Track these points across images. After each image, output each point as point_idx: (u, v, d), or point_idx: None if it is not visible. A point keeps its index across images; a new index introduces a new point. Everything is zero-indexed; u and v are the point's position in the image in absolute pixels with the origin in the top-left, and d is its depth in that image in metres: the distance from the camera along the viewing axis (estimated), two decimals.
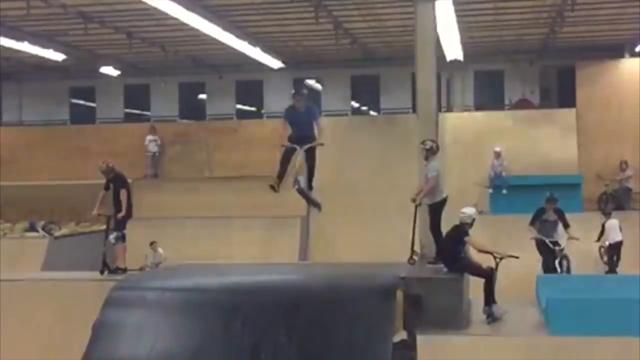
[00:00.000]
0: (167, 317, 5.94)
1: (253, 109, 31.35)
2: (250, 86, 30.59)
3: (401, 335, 6.67)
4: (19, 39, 22.52)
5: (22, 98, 31.95)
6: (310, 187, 12.09)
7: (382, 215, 21.22)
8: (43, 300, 13.23)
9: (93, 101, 31.97)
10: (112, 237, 14.25)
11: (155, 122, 28.61)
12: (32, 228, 24.10)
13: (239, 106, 31.14)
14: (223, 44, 23.07)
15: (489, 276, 11.97)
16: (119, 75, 29.44)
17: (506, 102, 28.90)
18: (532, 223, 15.02)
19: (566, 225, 14.87)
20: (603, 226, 17.73)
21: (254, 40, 23.69)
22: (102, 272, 14.11)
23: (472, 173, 22.56)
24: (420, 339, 7.11)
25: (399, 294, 6.29)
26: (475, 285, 12.36)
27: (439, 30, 17.33)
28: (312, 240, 22.43)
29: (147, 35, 23.98)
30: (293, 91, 14.69)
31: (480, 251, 12.28)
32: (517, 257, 12.42)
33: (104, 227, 15.07)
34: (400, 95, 28.70)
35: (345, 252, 20.19)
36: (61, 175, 25.68)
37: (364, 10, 21.22)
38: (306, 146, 11.78)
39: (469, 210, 12.39)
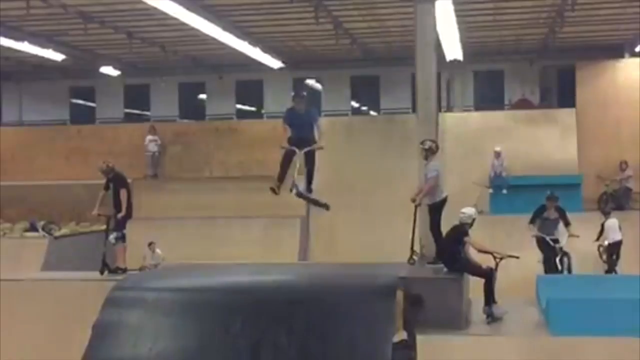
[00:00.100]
0: (167, 317, 5.94)
1: (253, 109, 31.35)
2: (250, 86, 30.60)
3: (401, 335, 6.65)
4: (19, 39, 22.52)
5: (22, 98, 31.96)
6: (309, 189, 12.10)
7: (382, 215, 21.21)
8: (43, 300, 13.23)
9: (93, 101, 31.98)
10: (112, 237, 14.25)
11: (155, 122, 28.60)
12: (32, 228, 24.10)
13: (239, 106, 31.14)
14: (223, 44, 23.07)
15: (488, 276, 11.97)
16: (119, 75, 29.44)
17: (506, 102, 28.90)
18: (532, 221, 15.05)
19: (567, 224, 14.92)
20: (602, 226, 17.73)
21: (254, 40, 23.69)
22: (102, 272, 14.11)
23: (472, 173, 22.55)
24: (420, 339, 7.09)
25: (399, 294, 6.27)
26: (475, 285, 12.36)
27: (439, 30, 17.34)
28: (312, 240, 22.43)
29: (147, 35, 23.98)
30: (293, 93, 14.72)
31: (480, 251, 12.28)
32: (517, 257, 12.42)
33: (104, 227, 15.07)
34: (400, 95, 28.70)
35: (345, 252, 20.18)
36: (61, 175, 25.68)
37: (364, 10, 21.22)
38: (306, 149, 11.79)
39: (469, 211, 12.39)
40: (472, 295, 12.65)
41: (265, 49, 25.08)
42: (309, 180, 12.08)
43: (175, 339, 5.84)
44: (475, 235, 12.45)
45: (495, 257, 12.11)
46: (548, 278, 14.19)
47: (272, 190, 11.96)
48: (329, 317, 5.59)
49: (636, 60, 25.38)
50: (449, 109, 27.63)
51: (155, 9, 18.74)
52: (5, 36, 22.04)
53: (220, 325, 5.66)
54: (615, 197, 23.01)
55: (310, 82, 30.88)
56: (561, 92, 28.29)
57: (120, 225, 14.28)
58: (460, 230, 12.20)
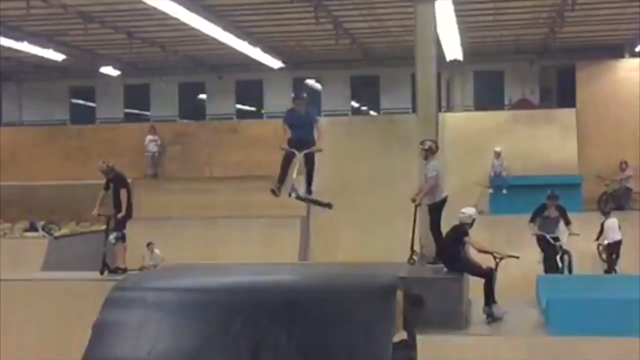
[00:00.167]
0: (168, 317, 5.93)
1: (253, 109, 31.35)
2: (250, 86, 30.59)
3: (401, 335, 6.65)
4: (19, 39, 22.52)
5: (22, 98, 31.96)
6: (309, 191, 12.11)
7: (382, 215, 21.21)
8: (43, 300, 13.23)
9: (93, 101, 31.98)
10: (112, 237, 14.25)
11: (155, 122, 28.60)
12: (32, 227, 24.10)
13: (239, 106, 31.14)
14: (223, 44, 23.07)
15: (488, 276, 11.97)
16: (119, 75, 29.44)
17: (506, 102, 28.89)
18: (532, 220, 15.05)
19: (567, 222, 14.94)
20: (602, 225, 17.73)
21: (254, 40, 23.69)
22: (102, 272, 14.10)
23: (472, 173, 22.55)
24: (420, 339, 7.09)
25: (399, 294, 6.27)
26: (475, 285, 12.36)
27: (439, 30, 17.33)
28: (312, 240, 22.43)
29: (147, 35, 23.98)
30: (293, 95, 14.74)
31: (480, 251, 12.29)
32: (517, 257, 12.43)
33: (104, 227, 15.06)
34: (400, 95, 28.70)
35: (345, 252, 20.19)
36: (61, 175, 25.67)
37: (364, 10, 21.22)
38: (305, 151, 11.80)
39: (469, 211, 12.39)
40: (472, 295, 12.65)
41: (265, 49, 25.08)
42: (309, 182, 12.09)
43: (175, 339, 5.83)
44: (475, 235, 12.45)
45: (495, 257, 12.11)
46: (548, 278, 14.19)
47: (273, 192, 11.98)
48: (329, 317, 5.59)
49: (636, 60, 25.39)
50: (449, 109, 27.63)
51: (155, 9, 18.74)
52: (5, 36, 22.04)
53: (220, 326, 5.65)
54: (615, 197, 23.00)
55: (310, 82, 30.89)
56: (561, 92, 28.29)
57: (120, 225, 14.27)
58: (460, 230, 12.20)
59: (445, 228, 12.63)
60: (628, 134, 23.88)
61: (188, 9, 18.63)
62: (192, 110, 31.11)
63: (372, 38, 25.09)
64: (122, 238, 14.25)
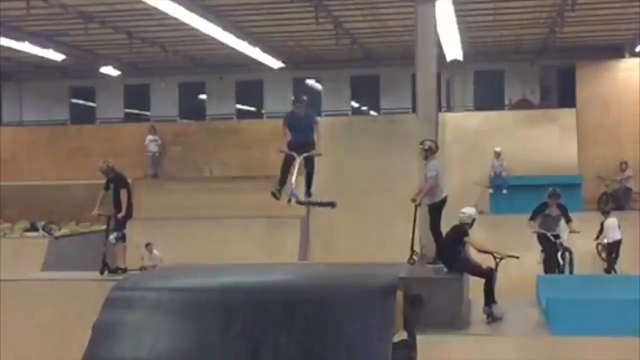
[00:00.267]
0: (168, 317, 5.93)
1: (253, 109, 31.36)
2: (250, 86, 30.61)
3: (401, 335, 6.65)
4: (19, 39, 22.53)
5: (22, 98, 31.98)
6: (309, 194, 12.13)
7: (382, 215, 21.22)
8: (43, 300, 13.23)
9: (93, 101, 32.00)
10: (112, 237, 14.24)
11: (155, 122, 28.61)
12: (32, 227, 24.11)
13: (239, 106, 31.16)
14: (223, 44, 23.08)
15: (488, 276, 11.98)
16: (119, 75, 29.45)
17: (506, 102, 28.91)
18: (533, 218, 15.06)
19: (568, 220, 14.96)
20: (602, 225, 17.75)
21: (254, 40, 23.70)
22: (102, 272, 14.10)
23: (472, 173, 22.56)
24: (420, 339, 7.09)
25: (399, 294, 6.27)
26: (475, 285, 12.36)
27: (439, 30, 17.33)
28: (312, 240, 22.43)
29: (147, 35, 23.99)
30: (293, 98, 14.77)
31: (480, 251, 12.30)
32: (517, 257, 12.44)
33: (104, 227, 15.06)
34: (400, 95, 28.72)
35: (345, 252, 20.18)
36: (61, 175, 25.69)
37: (364, 10, 21.23)
38: (305, 154, 11.82)
39: (469, 211, 12.40)
40: (472, 295, 12.66)
41: (265, 49, 25.09)
42: (308, 185, 12.12)
43: (175, 339, 5.82)
44: (475, 235, 12.46)
45: (495, 257, 12.12)
46: (548, 278, 14.20)
47: (273, 194, 12.01)
48: (329, 317, 5.58)
49: (636, 60, 25.39)
50: (449, 109, 27.64)
51: (155, 9, 18.75)
52: (6, 36, 22.05)
53: (220, 326, 5.64)
54: (615, 197, 23.02)
55: (310, 82, 30.90)
56: (561, 92, 28.30)
57: (120, 225, 14.27)
58: (460, 230, 12.21)
59: (445, 228, 12.64)
60: (628, 134, 23.89)
61: (188, 9, 18.64)
62: (192, 110, 31.12)
63: (372, 38, 25.10)
64: (122, 238, 14.25)
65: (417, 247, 13.10)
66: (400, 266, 12.14)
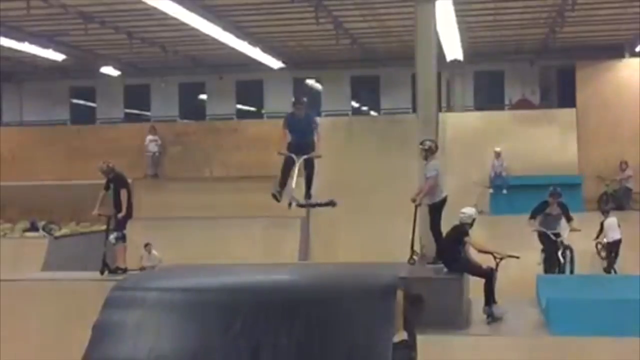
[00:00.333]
0: (168, 317, 5.93)
1: (253, 109, 31.36)
2: (250, 86, 30.60)
3: (401, 335, 6.67)
4: (19, 39, 22.53)
5: (23, 98, 31.97)
6: (309, 195, 12.14)
7: (382, 215, 21.21)
8: (43, 300, 13.24)
9: (93, 101, 32.00)
10: (112, 237, 14.25)
11: (155, 122, 28.61)
12: (33, 227, 24.12)
13: (239, 106, 31.15)
14: (223, 44, 23.07)
15: (489, 276, 11.98)
16: (119, 76, 29.44)
17: (506, 102, 28.91)
18: (533, 216, 15.06)
19: (569, 219, 14.97)
20: (602, 224, 17.76)
21: (254, 40, 23.70)
22: (102, 272, 14.11)
23: (473, 173, 22.57)
24: (420, 339, 7.11)
25: (399, 294, 6.28)
26: (475, 285, 12.37)
27: (439, 30, 17.34)
28: (312, 240, 22.43)
29: (147, 36, 23.98)
30: (294, 99, 14.77)
31: (481, 251, 12.30)
32: (517, 257, 12.44)
33: (104, 227, 15.07)
34: (400, 95, 28.71)
35: (345, 252, 20.19)
36: (61, 175, 25.68)
37: (364, 10, 21.23)
38: (305, 156, 11.83)
39: (469, 211, 12.40)
40: (472, 295, 12.66)
41: (266, 49, 25.09)
42: (308, 186, 12.12)
43: (175, 339, 5.83)
44: (475, 235, 12.46)
45: (495, 257, 12.12)
46: (548, 278, 14.20)
47: (274, 197, 12.02)
48: (329, 317, 5.58)
49: (636, 60, 25.38)
50: (449, 109, 27.64)
51: (155, 9, 18.75)
52: (6, 36, 22.05)
53: (220, 326, 5.64)
54: (615, 197, 23.03)
55: (311, 82, 30.90)
56: (561, 92, 28.30)
57: (120, 226, 14.28)
58: (461, 230, 12.21)
59: (445, 228, 12.64)
60: (628, 134, 23.89)
61: (188, 9, 18.64)
62: (193, 110, 31.12)
63: (372, 38, 25.10)
64: (122, 238, 14.26)
65: (417, 247, 13.10)
66: (401, 266, 12.15)
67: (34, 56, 24.93)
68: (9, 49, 23.42)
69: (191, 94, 31.33)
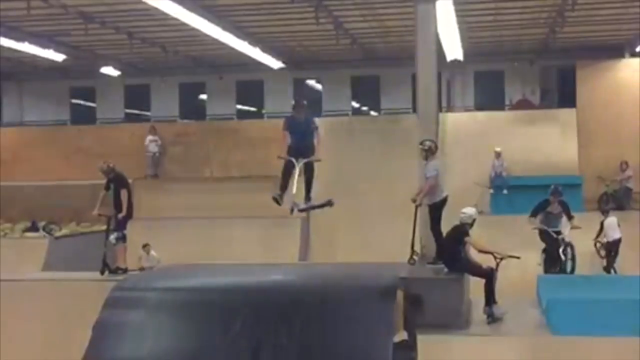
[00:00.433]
0: (168, 317, 5.93)
1: (253, 109, 31.35)
2: (250, 86, 30.60)
3: (401, 335, 6.66)
4: (19, 39, 22.53)
5: (23, 98, 31.98)
6: (308, 198, 12.15)
7: (382, 215, 21.21)
8: (43, 301, 13.23)
9: (93, 101, 31.99)
10: (112, 237, 14.27)
11: (155, 122, 28.62)
12: (33, 227, 24.11)
13: (239, 106, 31.14)
14: (223, 44, 23.08)
15: (489, 276, 11.98)
16: (119, 76, 29.44)
17: (506, 102, 28.90)
18: (534, 215, 15.08)
19: (570, 217, 15.00)
20: (602, 224, 17.77)
21: (254, 40, 23.70)
22: (102, 272, 14.12)
23: (473, 173, 22.56)
24: (420, 339, 7.10)
25: (399, 294, 6.28)
26: (475, 286, 12.36)
27: (440, 30, 17.34)
28: (312, 240, 22.43)
29: (147, 36, 23.99)
30: (294, 102, 14.77)
31: (481, 251, 12.30)
32: (517, 258, 12.45)
33: (104, 227, 15.08)
34: (400, 95, 28.70)
35: (345, 252, 20.18)
36: (62, 175, 25.68)
37: (364, 10, 21.23)
38: (304, 160, 11.84)
39: (470, 211, 12.40)
40: (473, 296, 12.66)
41: (266, 49, 25.09)
42: (308, 189, 12.13)
43: (176, 339, 5.83)
44: (475, 235, 12.46)
45: (495, 257, 12.12)
46: (548, 278, 14.20)
47: (275, 200, 12.03)
48: (329, 317, 5.58)
49: (636, 60, 25.39)
50: (450, 109, 27.64)
51: (155, 9, 18.76)
52: (6, 36, 22.05)
53: (220, 326, 5.64)
54: (615, 197, 23.03)
55: (311, 82, 30.89)
56: (561, 92, 28.31)
57: (120, 226, 14.30)
58: (461, 230, 12.21)
59: (445, 228, 12.64)
60: (628, 134, 23.89)
61: (188, 9, 18.65)
62: (193, 110, 31.12)
63: (372, 38, 25.10)
64: (122, 238, 14.27)
65: (417, 247, 13.10)
66: (401, 266, 12.14)
67: (34, 56, 24.92)
68: (9, 49, 23.42)
69: (191, 94, 31.33)
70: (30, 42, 22.96)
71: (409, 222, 12.98)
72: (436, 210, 12.75)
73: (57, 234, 23.24)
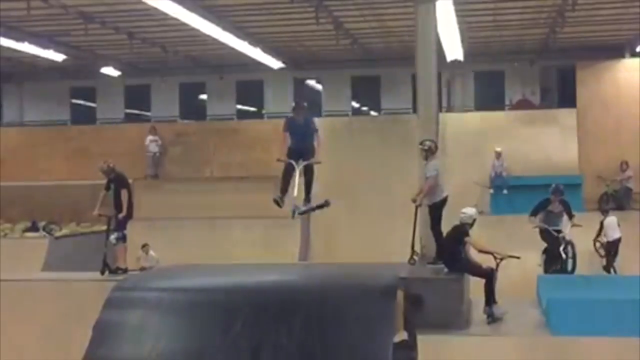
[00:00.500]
0: (168, 317, 5.93)
1: (253, 109, 31.36)
2: (250, 86, 30.61)
3: (401, 335, 6.66)
4: (19, 39, 22.53)
5: (23, 98, 31.98)
6: (308, 199, 12.16)
7: (382, 215, 21.21)
8: (43, 301, 13.23)
9: (94, 101, 32.00)
10: (112, 237, 14.26)
11: (155, 122, 28.61)
12: (33, 227, 24.11)
13: (239, 106, 31.15)
14: (223, 44, 23.08)
15: (489, 276, 11.98)
16: (119, 76, 29.44)
17: (506, 102, 28.90)
18: (535, 214, 15.09)
19: (571, 216, 15.01)
20: (601, 223, 17.79)
21: (254, 40, 23.70)
22: (102, 273, 14.12)
23: (473, 173, 22.56)
24: (420, 339, 7.10)
25: (400, 294, 6.28)
26: (475, 286, 12.36)
27: (440, 30, 17.34)
28: (312, 240, 22.42)
29: (147, 36, 23.99)
30: (294, 104, 14.77)
31: (481, 251, 12.29)
32: (517, 258, 12.44)
33: (104, 227, 15.08)
34: (400, 95, 28.72)
35: (346, 252, 20.18)
36: (62, 175, 25.69)
37: (364, 10, 21.23)
38: (304, 163, 11.84)
39: (470, 211, 12.40)
40: (473, 296, 12.66)
41: (266, 49, 25.09)
42: (308, 191, 12.13)
43: (176, 339, 5.83)
44: (475, 236, 12.45)
45: (495, 258, 12.12)
46: (548, 278, 14.20)
47: (276, 202, 12.01)
48: (329, 317, 5.58)
49: (637, 60, 25.37)
50: (450, 109, 27.64)
51: (155, 9, 18.76)
52: (6, 36, 22.05)
53: (221, 326, 5.64)
54: (615, 197, 23.02)
55: (311, 82, 30.90)
56: (562, 93, 28.31)
57: (121, 226, 14.29)
58: (461, 230, 12.21)
59: (445, 228, 12.64)
60: (628, 134, 23.88)
61: (188, 9, 18.65)
62: (193, 110, 31.12)
63: (372, 38, 25.10)
64: (122, 238, 14.27)
65: (417, 247, 13.10)
66: (401, 266, 12.15)
67: (34, 56, 24.92)
68: (9, 49, 23.42)
69: (191, 94, 31.34)
70: (30, 42, 22.96)
71: (409, 222, 12.98)
72: (436, 210, 12.75)
73: (57, 234, 23.25)
